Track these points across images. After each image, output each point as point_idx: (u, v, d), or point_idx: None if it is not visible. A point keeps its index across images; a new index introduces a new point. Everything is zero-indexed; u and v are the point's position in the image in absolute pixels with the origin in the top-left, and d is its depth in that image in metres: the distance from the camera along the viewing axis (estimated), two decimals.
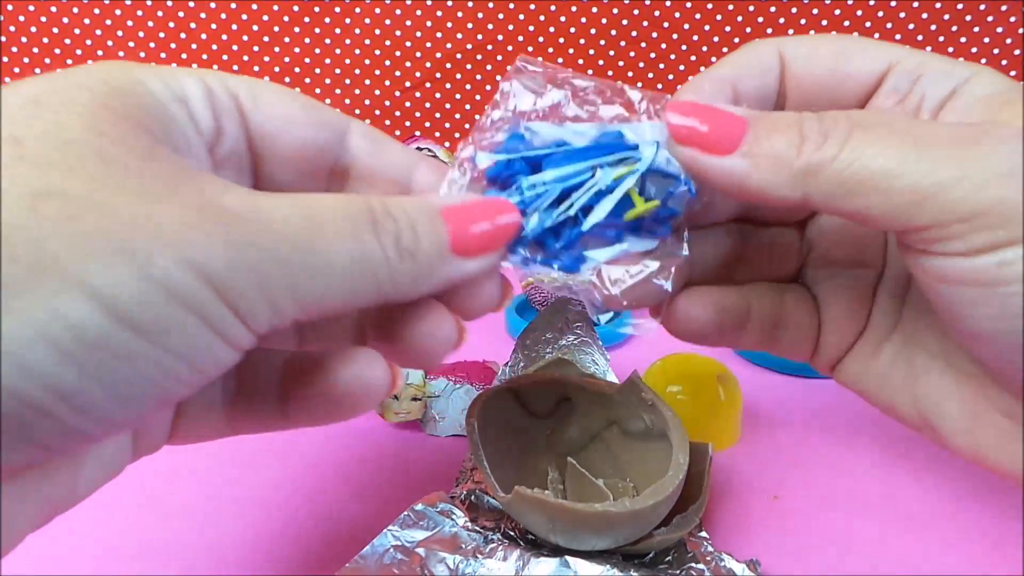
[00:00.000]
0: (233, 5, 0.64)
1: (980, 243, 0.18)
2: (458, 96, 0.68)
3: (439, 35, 0.65)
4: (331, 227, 0.19)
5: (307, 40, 0.66)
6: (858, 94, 0.24)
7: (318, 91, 0.68)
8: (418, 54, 0.66)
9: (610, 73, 0.66)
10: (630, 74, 0.66)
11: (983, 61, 0.63)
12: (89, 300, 0.15)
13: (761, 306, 0.27)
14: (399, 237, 0.20)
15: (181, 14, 0.65)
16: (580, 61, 0.65)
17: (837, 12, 0.62)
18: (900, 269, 0.26)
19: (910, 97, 0.23)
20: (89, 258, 0.15)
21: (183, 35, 0.66)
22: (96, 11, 0.65)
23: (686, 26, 0.64)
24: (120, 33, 0.66)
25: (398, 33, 0.65)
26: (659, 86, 0.66)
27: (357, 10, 0.65)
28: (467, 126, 0.69)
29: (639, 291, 0.23)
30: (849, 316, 0.27)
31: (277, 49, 0.67)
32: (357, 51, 0.66)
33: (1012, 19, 0.61)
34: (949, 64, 0.23)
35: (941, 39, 0.63)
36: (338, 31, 0.66)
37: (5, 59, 0.67)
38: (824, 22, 0.63)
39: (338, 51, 0.67)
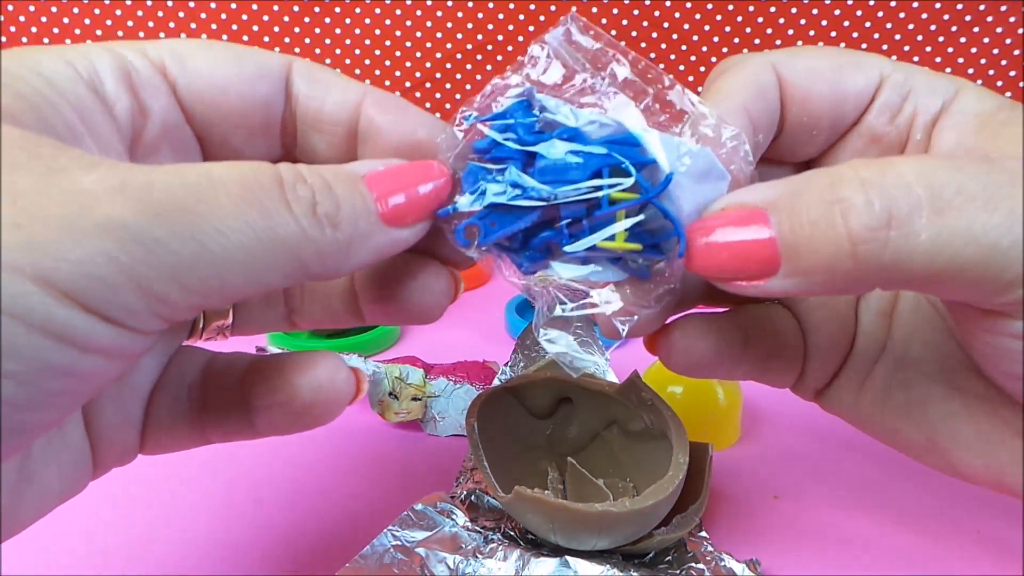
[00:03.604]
0: (233, 5, 0.64)
1: None
2: (458, 96, 0.68)
3: (439, 35, 0.65)
4: (224, 198, 0.16)
5: (307, 40, 0.66)
6: (855, 111, 0.24)
7: None
8: (418, 54, 0.66)
9: None
10: None
11: (983, 61, 0.63)
12: None
13: (756, 331, 0.25)
14: (315, 203, 0.18)
15: (181, 14, 0.65)
16: None
17: (837, 12, 0.62)
18: None
19: (901, 113, 0.23)
20: None
21: (183, 35, 0.66)
22: (96, 11, 0.65)
23: (686, 26, 0.64)
24: (120, 33, 0.66)
25: (398, 33, 0.65)
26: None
27: (357, 10, 0.65)
28: None
29: (597, 320, 0.22)
30: (834, 337, 0.25)
31: (277, 49, 0.66)
32: (357, 51, 0.66)
33: (1012, 19, 0.61)
34: (934, 78, 0.23)
35: (941, 39, 0.62)
36: (338, 31, 0.66)
37: None
38: (824, 22, 0.62)
39: (338, 51, 0.66)
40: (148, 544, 0.31)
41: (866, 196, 0.17)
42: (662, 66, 0.65)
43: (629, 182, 0.20)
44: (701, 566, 0.28)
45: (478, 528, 0.30)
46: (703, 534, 0.30)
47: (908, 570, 0.30)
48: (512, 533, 0.30)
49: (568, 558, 0.27)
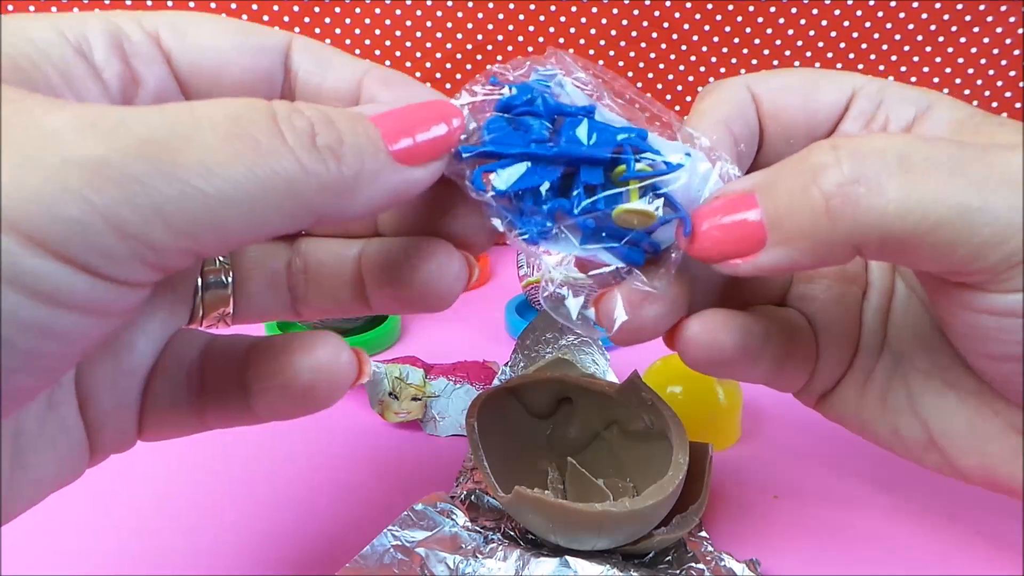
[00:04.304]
0: (233, 5, 0.64)
1: None
2: None
3: (439, 35, 0.65)
4: (208, 131, 0.15)
5: None
6: (829, 123, 0.24)
7: None
8: (418, 54, 0.66)
9: None
10: (630, 74, 0.66)
11: (983, 61, 0.63)
12: None
13: (776, 328, 0.24)
14: (314, 135, 0.17)
15: None
16: None
17: (837, 12, 0.62)
18: (881, 283, 0.26)
19: (874, 122, 0.24)
20: None
21: None
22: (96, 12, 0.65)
23: (686, 26, 0.64)
24: None
25: (398, 33, 0.65)
26: (659, 86, 0.66)
27: (357, 10, 0.65)
28: None
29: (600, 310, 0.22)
30: (843, 337, 0.26)
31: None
32: (357, 51, 0.66)
33: (1012, 19, 0.61)
34: (908, 90, 0.23)
35: (941, 39, 0.62)
36: (338, 31, 0.66)
37: None
38: (824, 22, 0.62)
39: None
40: (147, 544, 0.31)
41: (836, 158, 0.18)
42: (662, 65, 0.65)
43: (656, 158, 0.21)
44: (701, 566, 0.28)
45: (478, 528, 0.30)
46: (703, 534, 0.30)
47: (908, 569, 0.30)
48: (512, 533, 0.30)
49: (568, 558, 0.27)
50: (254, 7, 0.65)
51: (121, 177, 0.14)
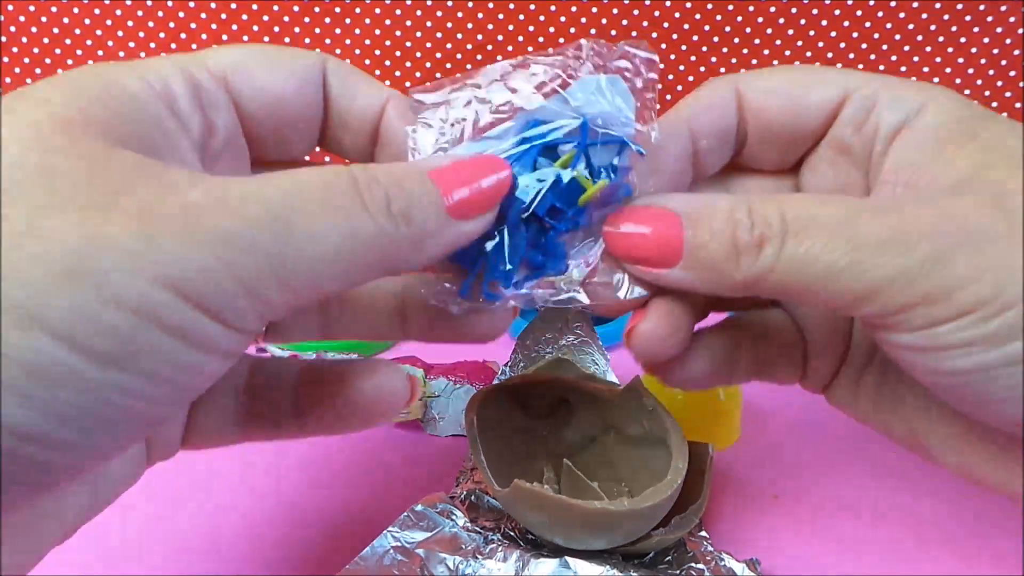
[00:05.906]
0: (233, 5, 0.64)
1: (918, 323, 0.20)
2: None
3: (439, 35, 0.65)
4: (314, 205, 0.18)
5: (307, 40, 0.66)
6: (816, 124, 0.25)
7: None
8: (418, 54, 0.66)
9: None
10: None
11: (983, 61, 0.63)
12: (42, 334, 0.14)
13: (749, 339, 0.26)
14: (389, 202, 0.19)
15: (181, 14, 0.65)
16: None
17: (837, 12, 0.62)
18: None
19: (866, 126, 0.24)
20: (36, 288, 0.14)
21: (183, 35, 0.66)
22: (96, 11, 0.65)
23: (686, 26, 0.64)
24: (120, 33, 0.66)
25: (398, 33, 0.65)
26: (658, 86, 0.66)
27: (357, 10, 0.65)
28: None
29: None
30: (829, 337, 0.27)
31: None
32: (357, 51, 0.66)
33: (1012, 19, 0.61)
34: (904, 89, 0.23)
35: (941, 39, 0.62)
36: (338, 31, 0.65)
37: (5, 59, 0.67)
38: (824, 22, 0.62)
39: (338, 51, 0.66)
40: (147, 543, 0.31)
41: (751, 220, 0.21)
42: (662, 65, 0.65)
43: (562, 124, 0.22)
44: (701, 566, 0.28)
45: (478, 528, 0.30)
46: (703, 534, 0.30)
47: (908, 570, 0.30)
48: (512, 533, 0.30)
49: (568, 558, 0.27)
50: (254, 7, 0.65)
51: (249, 247, 0.16)
